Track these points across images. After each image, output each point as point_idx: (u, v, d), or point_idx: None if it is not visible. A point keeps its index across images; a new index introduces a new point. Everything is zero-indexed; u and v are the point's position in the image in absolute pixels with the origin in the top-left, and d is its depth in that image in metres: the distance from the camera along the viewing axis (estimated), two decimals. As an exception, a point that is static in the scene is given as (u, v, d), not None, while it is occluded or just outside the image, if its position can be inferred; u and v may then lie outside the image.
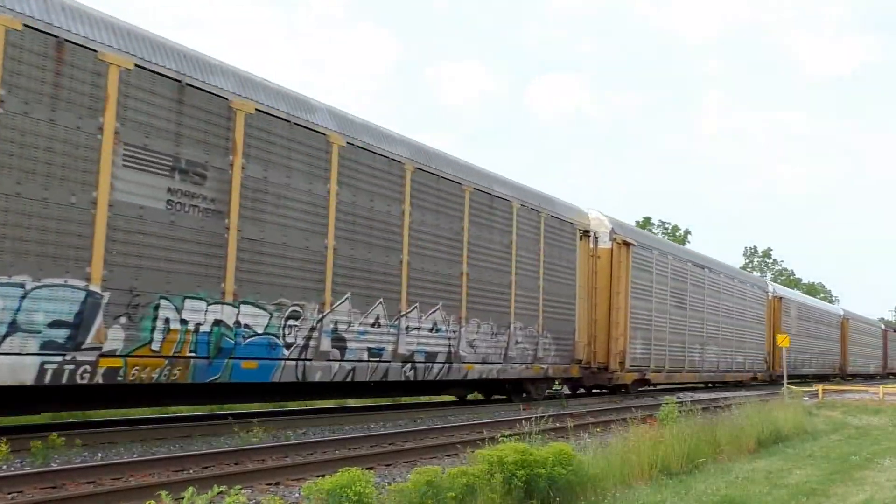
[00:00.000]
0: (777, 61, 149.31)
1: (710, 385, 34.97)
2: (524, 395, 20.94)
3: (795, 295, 48.43)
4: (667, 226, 70.46)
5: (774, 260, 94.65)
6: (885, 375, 64.48)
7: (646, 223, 67.46)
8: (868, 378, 57.82)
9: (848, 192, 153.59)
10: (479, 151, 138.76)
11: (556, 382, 20.37)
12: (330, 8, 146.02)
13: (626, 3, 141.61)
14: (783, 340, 31.01)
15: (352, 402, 18.46)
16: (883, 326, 70.36)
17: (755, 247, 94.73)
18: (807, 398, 24.94)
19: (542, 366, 20.53)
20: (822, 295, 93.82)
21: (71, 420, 13.16)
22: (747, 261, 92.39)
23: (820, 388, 28.35)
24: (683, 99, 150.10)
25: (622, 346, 23.73)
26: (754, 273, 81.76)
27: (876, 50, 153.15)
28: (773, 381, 39.18)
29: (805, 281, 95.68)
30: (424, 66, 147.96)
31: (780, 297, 41.64)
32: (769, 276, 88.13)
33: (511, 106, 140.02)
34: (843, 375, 51.35)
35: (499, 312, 18.81)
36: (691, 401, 17.65)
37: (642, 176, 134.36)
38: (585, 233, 23.07)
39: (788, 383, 38.79)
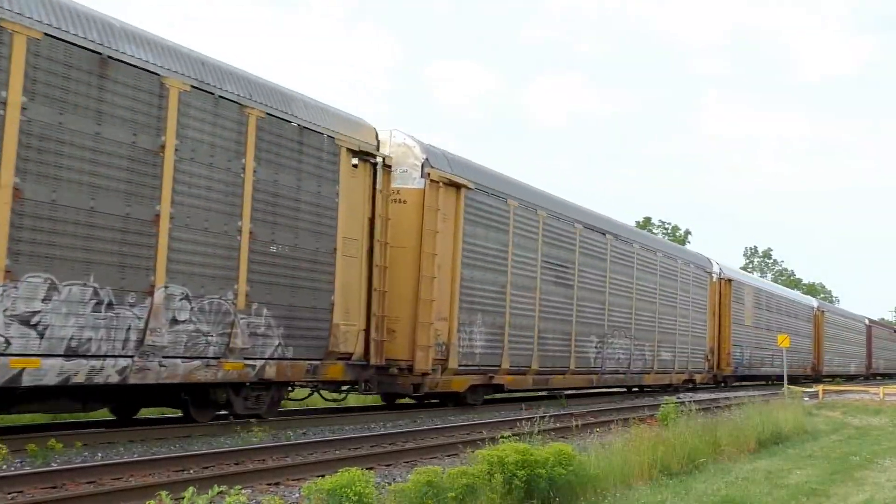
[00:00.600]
0: (777, 61, 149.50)
1: (632, 390, 27.43)
2: (225, 409, 13.04)
3: (751, 279, 39.80)
4: (667, 226, 70.54)
5: (775, 260, 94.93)
6: (870, 377, 58.02)
7: (646, 223, 67.49)
8: (849, 380, 50.55)
9: (848, 193, 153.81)
10: (479, 150, 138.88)
11: (346, 390, 15.13)
12: (330, 8, 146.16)
13: (624, 4, 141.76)
14: (783, 341, 30.71)
15: (352, 402, 18.40)
16: (867, 321, 61.64)
17: (755, 247, 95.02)
18: (807, 398, 24.96)
19: (251, 363, 12.31)
20: (822, 295, 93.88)
21: (71, 420, 13.15)
22: (747, 261, 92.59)
23: (820, 388, 28.36)
24: (683, 99, 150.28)
25: (445, 336, 16.36)
26: (754, 273, 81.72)
27: (878, 50, 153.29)
28: (718, 384, 33.10)
29: (805, 281, 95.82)
30: (424, 66, 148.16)
31: (730, 280, 33.44)
32: (769, 276, 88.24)
33: (510, 105, 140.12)
34: (816, 377, 43.81)
35: (118, 266, 10.51)
36: (691, 401, 17.61)
37: (642, 176, 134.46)
38: (365, 158, 14.65)
39: (739, 384, 34.71)
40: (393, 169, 15.59)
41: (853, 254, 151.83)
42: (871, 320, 62.91)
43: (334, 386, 15.19)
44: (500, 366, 18.33)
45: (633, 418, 14.25)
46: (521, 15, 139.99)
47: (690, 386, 30.15)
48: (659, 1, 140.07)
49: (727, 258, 63.55)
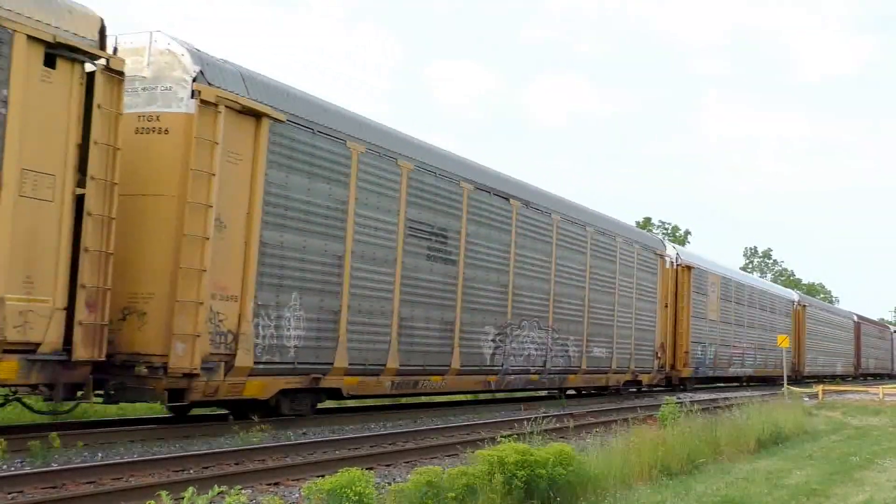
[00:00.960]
0: (777, 61, 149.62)
1: (565, 393, 22.50)
2: None
3: (718, 267, 33.98)
4: (667, 226, 70.52)
5: (775, 260, 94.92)
6: (858, 377, 54.10)
7: (646, 223, 67.47)
8: (838, 380, 45.58)
9: (848, 193, 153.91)
10: (478, 150, 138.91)
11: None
12: (330, 8, 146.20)
13: (624, 4, 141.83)
14: (783, 341, 30.59)
15: (351, 403, 18.34)
16: (856, 318, 56.85)
17: (755, 247, 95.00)
18: (807, 398, 24.99)
19: None
20: (822, 295, 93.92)
21: (71, 420, 13.15)
22: (747, 261, 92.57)
23: (820, 388, 28.38)
24: (683, 99, 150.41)
25: (233, 322, 11.83)
26: (754, 274, 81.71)
27: (878, 50, 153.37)
28: (673, 387, 28.22)
29: (805, 281, 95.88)
30: (424, 66, 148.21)
31: (689, 267, 28.50)
32: (769, 276, 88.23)
33: (510, 105, 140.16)
34: (797, 378, 39.95)
35: None
36: (691, 401, 17.63)
37: (642, 176, 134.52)
38: (73, 57, 10.05)
39: (702, 387, 30.33)
40: (153, 86, 11.53)
41: (853, 254, 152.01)
42: (859, 316, 58.25)
43: (51, 391, 10.04)
44: (332, 363, 13.47)
45: (633, 418, 14.27)
46: (521, 15, 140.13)
47: (643, 389, 26.05)
48: (659, 1, 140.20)
49: (727, 258, 63.03)
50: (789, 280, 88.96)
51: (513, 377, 18.76)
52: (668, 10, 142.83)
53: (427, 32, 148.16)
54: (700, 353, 29.32)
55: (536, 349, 19.43)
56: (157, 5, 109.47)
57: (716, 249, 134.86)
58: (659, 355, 26.12)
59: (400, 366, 15.03)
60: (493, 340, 17.79)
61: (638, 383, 25.29)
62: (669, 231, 69.87)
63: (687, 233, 71.48)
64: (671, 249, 28.57)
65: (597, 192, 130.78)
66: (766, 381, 37.26)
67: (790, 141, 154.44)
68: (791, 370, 39.33)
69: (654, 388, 27.20)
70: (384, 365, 14.68)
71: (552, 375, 20.37)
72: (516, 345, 18.56)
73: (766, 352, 36.61)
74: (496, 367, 17.91)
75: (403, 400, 18.78)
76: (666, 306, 27.02)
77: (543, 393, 21.97)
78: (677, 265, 28.14)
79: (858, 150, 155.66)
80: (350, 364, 13.85)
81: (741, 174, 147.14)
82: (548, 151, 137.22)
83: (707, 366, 30.04)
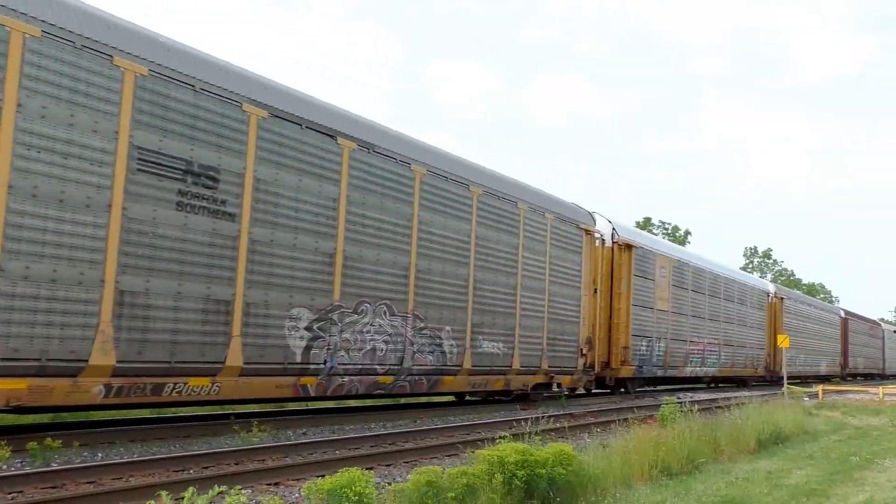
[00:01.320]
0: (777, 61, 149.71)
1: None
2: None
3: (670, 247, 28.87)
4: (667, 226, 70.53)
5: (775, 260, 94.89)
6: (846, 377, 50.38)
7: (646, 223, 67.47)
8: (820, 381, 38.75)
9: (848, 193, 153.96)
10: (478, 150, 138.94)
11: None
12: (330, 8, 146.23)
13: (624, 4, 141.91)
14: (783, 341, 30.46)
15: (352, 403, 18.34)
16: (842, 313, 52.61)
17: (755, 247, 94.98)
18: (807, 398, 24.99)
19: None
20: (821, 295, 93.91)
21: (71, 420, 13.16)
22: (747, 261, 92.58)
23: (820, 388, 28.38)
24: (683, 99, 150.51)
25: None
26: (754, 273, 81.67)
27: (878, 50, 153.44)
28: (611, 390, 23.73)
29: (805, 281, 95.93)
30: (424, 66, 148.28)
31: (630, 246, 23.53)
32: (769, 276, 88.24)
33: (510, 105, 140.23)
34: (773, 378, 36.31)
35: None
36: (691, 401, 17.60)
37: (642, 176, 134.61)
38: None
39: (651, 389, 26.91)
40: None
41: (853, 254, 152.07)
42: (847, 312, 53.89)
43: None
44: None
45: (633, 419, 14.28)
46: (521, 15, 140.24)
47: (565, 392, 20.73)
48: (659, 1, 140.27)
49: (727, 258, 62.81)
50: (789, 280, 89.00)
51: (346, 379, 13.79)
52: (668, 10, 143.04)
53: (427, 32, 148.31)
54: (644, 349, 24.25)
55: (388, 342, 14.63)
56: (159, 4, 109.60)
57: (716, 249, 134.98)
58: (584, 352, 21.14)
59: (120, 362, 10.13)
60: (309, 329, 13.01)
61: (558, 385, 20.38)
62: (669, 231, 69.90)
63: (687, 233, 71.53)
64: (604, 224, 23.13)
65: (597, 192, 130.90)
66: (735, 383, 34.00)
67: (790, 141, 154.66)
68: (765, 370, 36.56)
69: (591, 393, 23.22)
70: (86, 361, 9.79)
71: (416, 377, 15.43)
72: (350, 335, 13.74)
73: (734, 349, 32.28)
74: (314, 366, 13.04)
75: (403, 400, 18.73)
76: (596, 292, 22.01)
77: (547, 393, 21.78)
78: (613, 243, 23.11)
79: (858, 150, 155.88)
80: (4, 360, 9.05)
81: (741, 174, 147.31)
82: (548, 151, 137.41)
83: (654, 364, 24.94)
